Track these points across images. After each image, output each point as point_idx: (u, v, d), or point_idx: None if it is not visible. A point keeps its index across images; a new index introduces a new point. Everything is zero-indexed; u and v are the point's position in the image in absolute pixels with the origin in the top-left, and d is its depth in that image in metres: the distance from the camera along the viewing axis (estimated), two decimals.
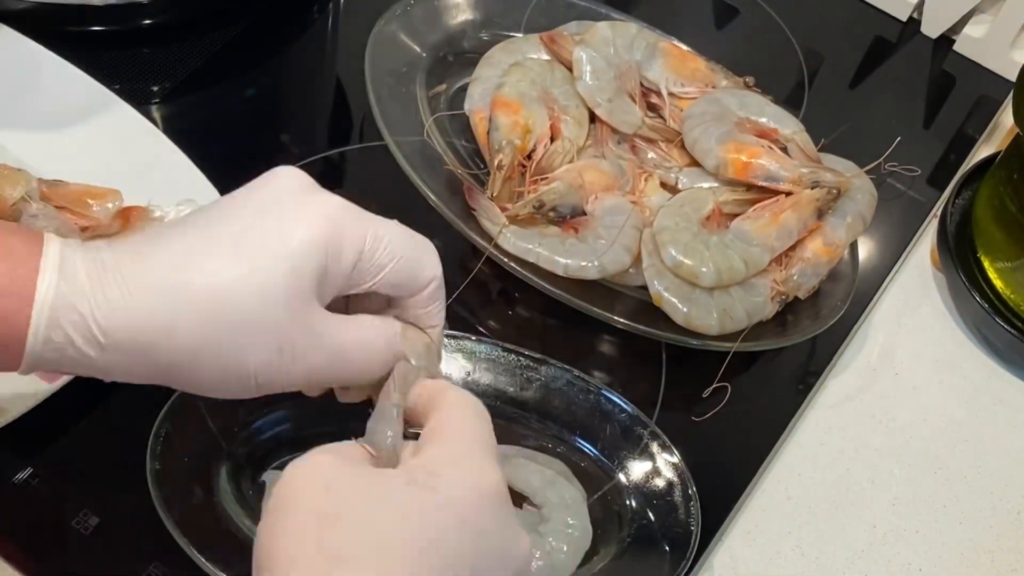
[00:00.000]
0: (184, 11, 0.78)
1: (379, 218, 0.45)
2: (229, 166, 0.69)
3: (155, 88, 0.76)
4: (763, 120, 0.73)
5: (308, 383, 0.45)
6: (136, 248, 0.42)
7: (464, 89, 0.75)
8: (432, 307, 0.48)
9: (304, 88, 0.80)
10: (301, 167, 0.73)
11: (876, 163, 0.75)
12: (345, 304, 0.48)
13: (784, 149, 0.72)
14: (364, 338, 0.45)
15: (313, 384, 0.46)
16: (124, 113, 0.69)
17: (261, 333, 0.42)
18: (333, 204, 0.44)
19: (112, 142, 0.69)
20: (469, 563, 0.40)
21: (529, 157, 0.70)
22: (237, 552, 0.55)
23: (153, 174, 0.67)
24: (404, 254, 0.45)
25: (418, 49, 0.75)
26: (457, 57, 0.76)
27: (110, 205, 0.65)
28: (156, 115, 0.75)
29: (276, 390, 0.44)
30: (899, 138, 0.79)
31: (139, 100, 0.72)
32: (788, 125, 0.73)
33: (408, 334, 0.48)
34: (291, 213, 0.43)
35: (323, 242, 0.42)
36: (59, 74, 0.70)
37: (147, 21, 0.77)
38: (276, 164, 0.72)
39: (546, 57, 0.75)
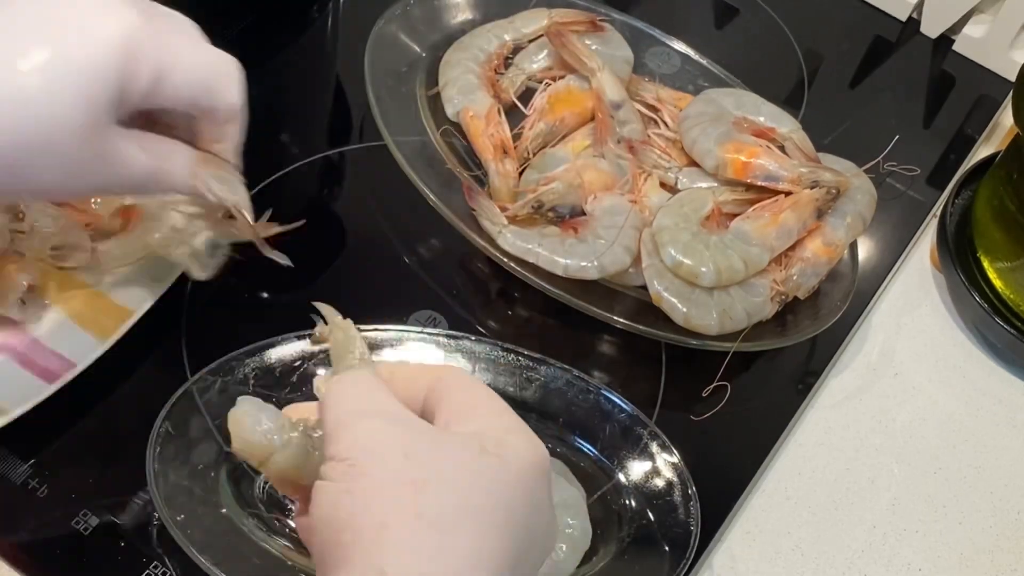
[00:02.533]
0: (183, 11, 0.78)
1: (178, 34, 0.46)
2: None
3: None
4: (760, 119, 0.73)
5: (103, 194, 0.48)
6: None
7: None
8: (227, 129, 0.50)
9: (304, 88, 0.80)
10: (301, 167, 0.74)
11: (875, 162, 0.75)
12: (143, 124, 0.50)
13: (782, 148, 0.72)
14: (155, 165, 0.48)
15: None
16: None
17: (49, 156, 0.43)
18: (133, 21, 0.44)
19: None
20: (534, 535, 0.41)
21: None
22: (236, 552, 0.55)
23: None
24: (204, 74, 0.47)
25: (418, 49, 0.75)
26: None
27: (111, 203, 0.65)
28: None
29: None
30: (897, 136, 0.79)
31: None
32: (785, 124, 0.73)
33: (208, 161, 0.50)
34: (89, 28, 0.43)
35: (118, 62, 0.43)
36: None
37: None
38: (276, 164, 0.73)
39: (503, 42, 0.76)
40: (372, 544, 0.38)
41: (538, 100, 0.74)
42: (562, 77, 0.75)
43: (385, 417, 0.41)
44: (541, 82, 0.75)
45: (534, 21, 0.77)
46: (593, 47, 0.75)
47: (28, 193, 0.46)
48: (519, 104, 0.74)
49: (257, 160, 0.73)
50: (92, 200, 0.65)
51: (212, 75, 0.48)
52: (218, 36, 0.79)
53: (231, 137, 0.51)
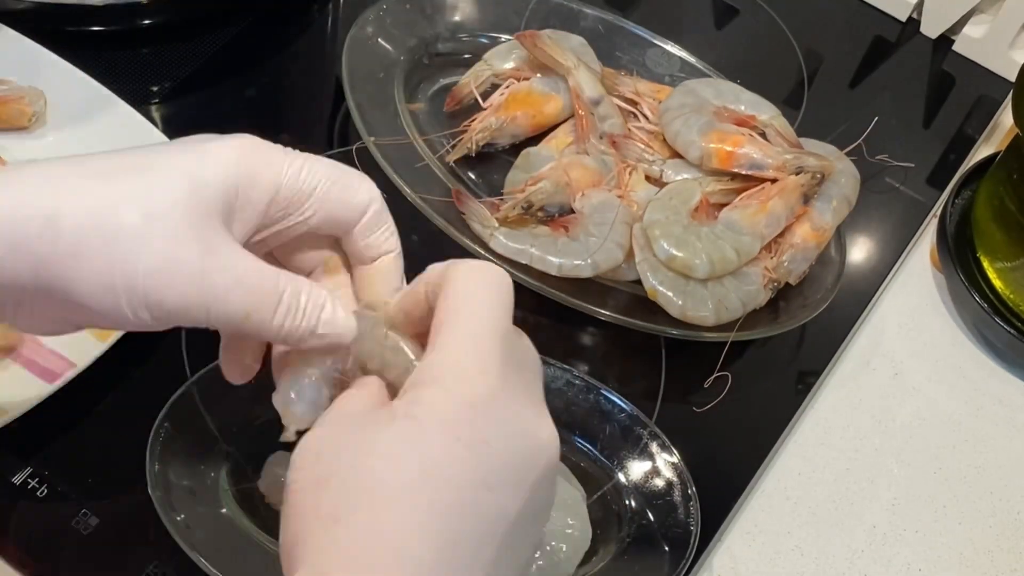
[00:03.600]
0: (184, 11, 0.78)
1: (300, 154, 0.42)
2: None
3: (155, 88, 0.76)
4: (740, 107, 0.74)
5: (206, 310, 0.40)
6: (23, 163, 0.39)
7: (446, 90, 0.76)
8: (377, 234, 0.44)
9: (304, 88, 0.80)
10: None
11: (857, 143, 0.75)
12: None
13: (763, 135, 0.72)
14: (265, 268, 0.41)
15: (213, 314, 0.40)
16: (124, 113, 0.69)
17: (152, 238, 0.38)
18: (254, 138, 0.42)
19: (112, 142, 0.68)
20: (476, 479, 0.36)
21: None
22: (236, 552, 0.55)
23: None
24: (330, 178, 0.42)
25: (395, 52, 0.76)
26: (433, 59, 0.78)
27: None
28: (156, 115, 0.75)
29: (170, 314, 0.39)
30: (876, 118, 0.79)
31: (139, 100, 0.71)
32: (765, 111, 0.74)
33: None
34: (207, 140, 0.41)
35: (236, 162, 0.40)
36: (59, 74, 0.70)
37: (147, 21, 0.77)
38: None
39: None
40: (289, 557, 0.37)
41: (496, 97, 0.74)
42: (527, 79, 0.75)
43: (320, 425, 0.39)
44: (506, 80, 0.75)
45: (506, 56, 0.77)
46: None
47: (123, 283, 0.38)
48: (480, 100, 0.75)
49: None
50: None
51: (340, 176, 0.43)
52: (219, 37, 0.80)
53: (382, 243, 0.44)
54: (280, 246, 0.45)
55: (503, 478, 0.37)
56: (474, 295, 0.40)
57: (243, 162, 0.40)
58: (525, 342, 0.42)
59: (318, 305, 0.42)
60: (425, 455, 0.36)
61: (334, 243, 0.46)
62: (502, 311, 0.40)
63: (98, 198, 0.38)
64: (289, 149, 0.42)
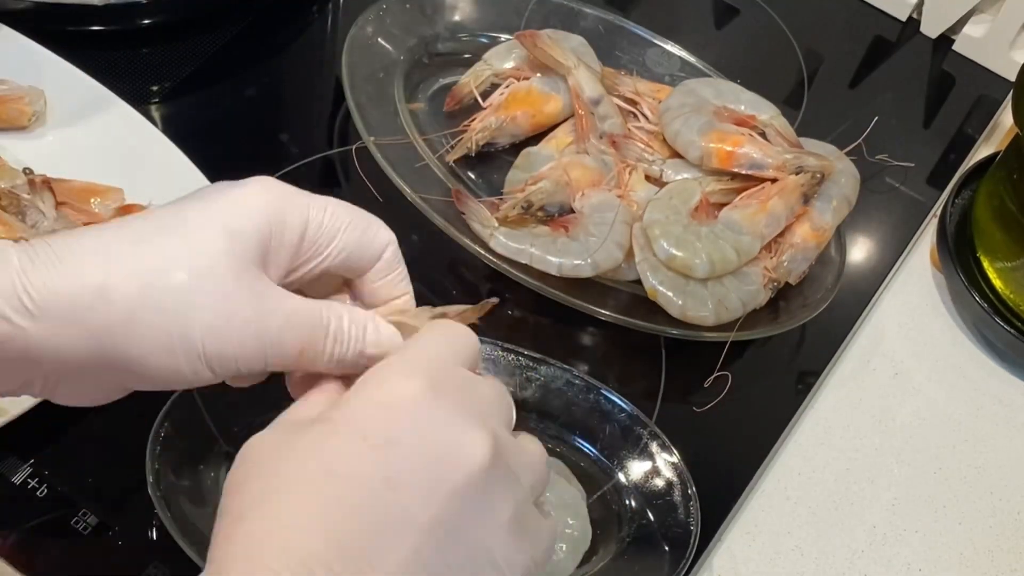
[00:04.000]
0: (184, 11, 0.78)
1: (321, 196, 0.43)
2: (229, 166, 0.69)
3: (155, 88, 0.76)
4: (740, 107, 0.74)
5: (263, 355, 0.41)
6: (72, 231, 0.40)
7: (446, 90, 0.76)
8: (392, 275, 0.45)
9: (304, 88, 0.80)
10: (301, 167, 0.74)
11: (857, 143, 0.75)
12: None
13: (763, 135, 0.72)
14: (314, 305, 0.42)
15: (270, 358, 0.42)
16: (124, 113, 0.69)
17: (203, 295, 0.39)
18: (273, 180, 0.42)
19: (112, 142, 0.69)
20: (376, 476, 0.37)
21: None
22: None
23: (153, 174, 0.67)
24: (351, 221, 0.43)
25: (395, 52, 0.76)
26: (433, 59, 0.78)
27: (111, 203, 0.65)
28: (156, 115, 0.75)
29: (228, 365, 0.40)
30: (876, 118, 0.79)
31: (139, 100, 0.72)
32: (765, 111, 0.74)
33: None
34: (231, 188, 0.41)
35: (265, 208, 0.41)
36: (59, 74, 0.70)
37: (147, 21, 0.77)
38: (276, 164, 0.73)
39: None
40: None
41: (496, 97, 0.74)
42: (527, 79, 0.75)
43: (261, 433, 0.40)
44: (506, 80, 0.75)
45: (506, 56, 0.77)
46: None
47: (182, 348, 0.39)
48: (479, 99, 0.75)
49: (257, 160, 0.74)
50: (92, 200, 0.65)
51: (360, 219, 0.44)
52: (219, 37, 0.80)
53: (396, 283, 0.45)
54: (296, 289, 0.45)
55: (409, 479, 0.37)
56: (425, 336, 0.42)
57: (272, 207, 0.41)
58: (489, 389, 0.42)
59: (362, 327, 0.43)
60: (329, 453, 0.37)
61: (342, 285, 0.47)
62: (448, 349, 0.42)
63: (145, 263, 0.39)
64: (307, 192, 0.43)
